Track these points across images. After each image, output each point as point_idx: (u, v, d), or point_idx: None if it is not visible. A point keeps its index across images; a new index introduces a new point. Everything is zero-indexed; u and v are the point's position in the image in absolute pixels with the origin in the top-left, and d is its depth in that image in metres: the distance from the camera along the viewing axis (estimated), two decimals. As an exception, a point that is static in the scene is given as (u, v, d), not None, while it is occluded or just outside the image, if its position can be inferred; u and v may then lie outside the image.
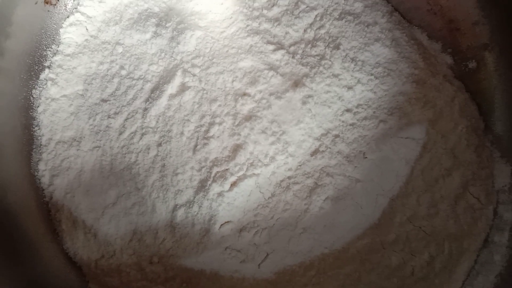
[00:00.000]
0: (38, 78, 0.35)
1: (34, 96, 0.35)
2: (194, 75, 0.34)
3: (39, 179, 0.35)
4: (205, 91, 0.33)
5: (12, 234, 0.33)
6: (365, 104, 0.34)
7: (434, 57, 0.36)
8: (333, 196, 0.33)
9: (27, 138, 0.35)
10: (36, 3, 0.34)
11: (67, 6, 0.35)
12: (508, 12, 0.34)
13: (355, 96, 0.34)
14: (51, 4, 0.35)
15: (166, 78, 0.34)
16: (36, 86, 0.35)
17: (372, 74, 0.34)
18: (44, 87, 0.35)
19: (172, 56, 0.34)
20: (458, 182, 0.33)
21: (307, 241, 0.33)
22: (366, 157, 0.33)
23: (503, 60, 0.36)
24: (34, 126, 0.35)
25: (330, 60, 0.34)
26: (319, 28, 0.35)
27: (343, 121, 0.34)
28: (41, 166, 0.35)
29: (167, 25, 0.35)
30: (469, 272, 0.34)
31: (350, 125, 0.34)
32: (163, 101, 0.34)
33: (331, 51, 0.34)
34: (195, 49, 0.34)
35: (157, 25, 0.35)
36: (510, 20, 0.34)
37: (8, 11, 0.33)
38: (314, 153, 0.33)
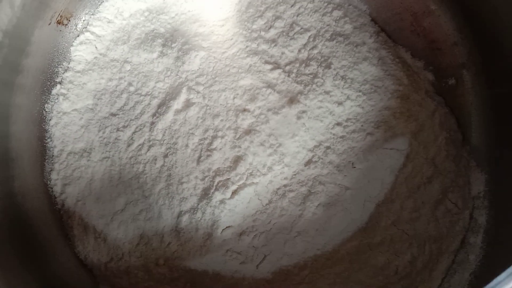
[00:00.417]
0: (50, 93, 0.37)
1: (46, 110, 0.37)
2: (198, 92, 0.36)
3: (52, 188, 0.37)
4: (208, 107, 0.36)
5: (28, 240, 0.35)
6: (354, 118, 0.37)
7: (417, 74, 0.39)
8: (325, 203, 0.36)
9: (40, 150, 0.37)
10: (49, 24, 0.36)
11: (78, 26, 0.37)
12: (483, 35, 0.37)
13: (345, 111, 0.37)
14: (63, 24, 0.37)
15: (172, 94, 0.36)
16: (48, 101, 0.37)
17: (360, 91, 0.37)
18: (56, 101, 0.37)
19: (177, 74, 0.36)
20: (438, 189, 0.36)
21: (301, 244, 0.35)
22: (354, 167, 0.36)
23: (478, 78, 0.39)
24: (46, 138, 0.37)
25: (322, 78, 0.37)
26: (312, 48, 0.37)
27: (334, 134, 0.36)
28: (54, 176, 0.37)
29: (172, 46, 0.37)
30: (447, 270, 0.37)
31: (340, 137, 0.36)
32: (169, 116, 0.36)
33: (323, 70, 0.37)
34: (199, 68, 0.36)
35: (163, 45, 0.37)
36: (484, 42, 0.37)
37: (28, 32, 0.35)
38: (308, 163, 0.36)
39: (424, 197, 0.36)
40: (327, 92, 0.36)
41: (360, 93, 0.36)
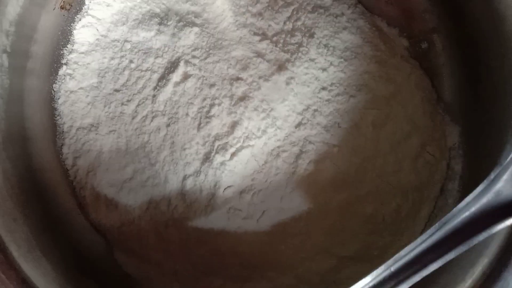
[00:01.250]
0: (57, 74, 0.39)
1: (55, 90, 0.39)
2: (194, 64, 0.38)
3: (64, 161, 0.39)
4: (204, 78, 0.38)
5: (45, 212, 0.37)
6: (338, 83, 0.39)
7: (392, 41, 0.42)
8: (315, 160, 0.38)
9: (51, 127, 0.39)
10: (54, 9, 0.38)
11: (79, 11, 0.39)
12: (450, 2, 0.40)
13: (329, 76, 0.39)
14: (66, 10, 0.39)
15: (170, 68, 0.38)
16: (56, 81, 0.39)
17: (342, 57, 0.40)
18: (63, 81, 0.39)
19: (174, 50, 0.38)
20: (416, 143, 0.39)
21: (295, 199, 0.38)
22: (340, 126, 0.39)
23: (448, 41, 0.42)
24: (56, 116, 0.39)
25: (306, 47, 0.39)
26: (296, 20, 0.40)
27: (320, 98, 0.39)
28: (65, 150, 0.39)
29: (168, 24, 0.39)
30: (429, 216, 0.40)
31: (326, 100, 0.39)
32: (169, 88, 0.38)
33: (307, 40, 0.39)
34: (194, 42, 0.38)
35: (160, 23, 0.39)
36: (451, 8, 0.40)
37: (35, 19, 0.37)
38: (298, 125, 0.39)
39: (405, 151, 0.39)
40: (312, 60, 0.39)
41: (342, 60, 0.39)
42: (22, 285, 0.29)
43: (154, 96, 0.38)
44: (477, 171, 0.38)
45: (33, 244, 0.32)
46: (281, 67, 0.38)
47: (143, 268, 0.38)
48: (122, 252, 0.38)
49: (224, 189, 0.38)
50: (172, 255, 0.37)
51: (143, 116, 0.38)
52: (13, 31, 0.35)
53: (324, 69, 0.39)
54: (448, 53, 0.41)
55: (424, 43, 0.42)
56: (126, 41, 0.39)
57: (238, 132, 0.37)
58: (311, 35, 0.39)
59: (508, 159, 0.27)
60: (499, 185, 0.27)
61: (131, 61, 0.39)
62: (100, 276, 0.38)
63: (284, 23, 0.39)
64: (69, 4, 0.39)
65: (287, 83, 0.38)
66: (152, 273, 0.38)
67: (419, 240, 0.27)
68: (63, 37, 0.40)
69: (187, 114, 0.38)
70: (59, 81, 0.39)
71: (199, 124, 0.37)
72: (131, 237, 0.38)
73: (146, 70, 0.38)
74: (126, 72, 0.39)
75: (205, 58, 0.38)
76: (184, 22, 0.39)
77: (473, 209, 0.27)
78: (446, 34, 0.41)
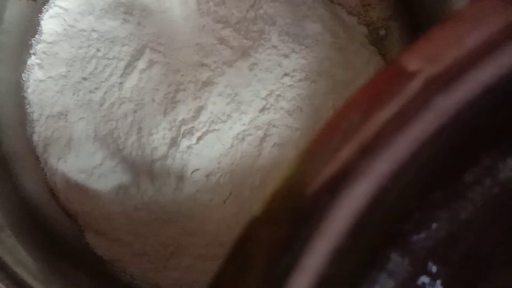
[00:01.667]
0: (26, 63, 0.39)
1: (23, 79, 0.39)
2: (159, 52, 0.39)
3: (35, 149, 0.40)
4: (169, 64, 0.39)
5: (16, 197, 0.38)
6: (299, 69, 0.41)
7: (352, 29, 0.44)
8: (279, 143, 0.39)
9: (21, 115, 0.40)
10: (20, 0, 0.39)
11: (47, 1, 0.39)
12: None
13: (291, 62, 0.41)
14: (33, 0, 0.40)
15: (136, 56, 0.39)
16: (24, 71, 0.39)
17: (303, 44, 0.41)
18: (32, 71, 0.40)
19: (140, 38, 0.39)
20: None
21: (260, 179, 0.40)
22: (302, 111, 0.41)
23: (404, 28, 0.44)
24: (26, 105, 0.40)
25: (268, 35, 0.40)
26: (258, 9, 0.41)
27: (283, 83, 0.41)
28: (35, 138, 0.40)
29: (133, 13, 0.39)
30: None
31: (289, 86, 0.41)
32: (135, 75, 0.38)
33: (269, 27, 0.40)
34: (159, 30, 0.39)
35: (125, 13, 0.39)
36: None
37: (1, 10, 0.37)
38: (262, 110, 0.40)
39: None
40: (274, 47, 0.40)
41: (303, 46, 0.41)
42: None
43: (121, 83, 0.39)
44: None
45: (3, 224, 0.33)
46: (244, 53, 0.39)
47: (114, 250, 0.39)
48: (94, 235, 0.39)
49: (192, 172, 0.39)
50: (142, 236, 0.38)
51: (111, 103, 0.39)
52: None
53: (286, 56, 0.40)
54: (404, 39, 0.43)
55: (382, 30, 0.44)
56: (93, 30, 0.40)
57: (204, 117, 0.39)
58: (273, 23, 0.41)
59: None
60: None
61: (98, 50, 0.39)
62: (73, 259, 0.39)
63: (247, 11, 0.40)
64: (36, -5, 0.40)
65: (250, 69, 0.39)
66: (123, 254, 0.39)
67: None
68: (31, 27, 0.40)
69: (153, 100, 0.39)
70: (27, 71, 0.40)
71: (165, 109, 0.39)
72: (101, 221, 0.39)
73: (113, 58, 0.39)
74: (94, 61, 0.39)
75: (170, 45, 0.39)
76: (148, 11, 0.40)
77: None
78: (403, 22, 0.43)
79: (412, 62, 0.17)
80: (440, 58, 0.16)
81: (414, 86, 0.16)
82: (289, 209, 0.16)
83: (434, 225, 0.20)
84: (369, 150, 0.16)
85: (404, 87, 0.16)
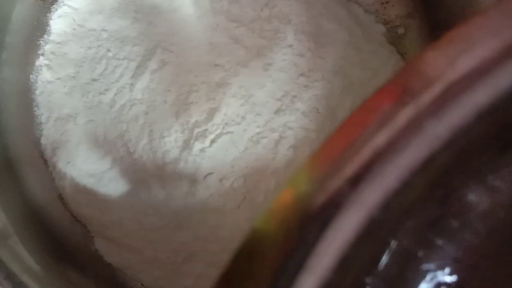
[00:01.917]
0: (34, 64, 0.38)
1: (31, 80, 0.38)
2: (171, 51, 0.37)
3: (43, 152, 0.39)
4: (182, 65, 0.37)
5: (25, 200, 0.37)
6: (315, 69, 0.40)
7: (369, 27, 0.42)
8: (294, 145, 0.38)
9: (29, 118, 0.38)
10: (28, 0, 0.38)
11: (55, 1, 0.38)
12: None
13: (307, 62, 0.39)
14: (41, 0, 0.39)
15: (147, 56, 0.38)
16: (32, 72, 0.38)
17: (319, 43, 0.40)
18: (40, 72, 0.38)
19: (151, 37, 0.38)
20: None
21: (275, 183, 0.39)
22: (319, 112, 0.39)
23: (423, 26, 0.42)
24: (33, 107, 0.39)
25: (284, 34, 0.39)
26: (272, 7, 0.40)
27: (298, 84, 0.39)
28: (43, 141, 0.39)
29: (144, 12, 0.38)
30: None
31: (304, 86, 0.39)
32: (146, 76, 0.37)
33: (284, 26, 0.39)
34: (170, 30, 0.38)
35: (136, 11, 0.38)
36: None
37: (9, 10, 0.36)
38: (277, 111, 0.39)
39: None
40: (289, 46, 0.39)
41: (319, 45, 0.39)
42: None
43: (131, 84, 0.38)
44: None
45: (10, 231, 0.32)
46: (258, 53, 0.38)
47: (124, 256, 0.38)
48: (103, 241, 0.38)
49: (205, 176, 0.37)
50: (153, 242, 0.37)
51: (121, 105, 0.38)
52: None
53: (301, 55, 0.39)
54: (423, 38, 0.42)
55: (401, 29, 0.42)
56: (103, 30, 0.39)
57: (217, 119, 0.37)
58: (288, 22, 0.39)
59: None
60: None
61: (108, 50, 0.38)
62: (82, 266, 0.38)
63: (261, 9, 0.39)
64: (44, -6, 0.39)
65: (265, 69, 0.38)
66: (133, 261, 0.37)
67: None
68: (39, 27, 0.39)
69: (165, 102, 0.37)
70: (35, 72, 0.39)
71: (178, 111, 0.37)
72: (111, 226, 0.38)
73: (123, 59, 0.38)
74: (103, 61, 0.38)
75: (182, 45, 0.38)
76: (160, 10, 0.39)
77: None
78: (421, 19, 0.42)
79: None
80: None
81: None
82: (297, 219, 0.16)
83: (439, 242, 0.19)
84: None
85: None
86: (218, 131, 0.37)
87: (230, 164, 0.38)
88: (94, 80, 0.38)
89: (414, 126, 0.16)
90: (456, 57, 0.16)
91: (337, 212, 0.16)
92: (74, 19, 0.39)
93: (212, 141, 0.37)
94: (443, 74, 0.16)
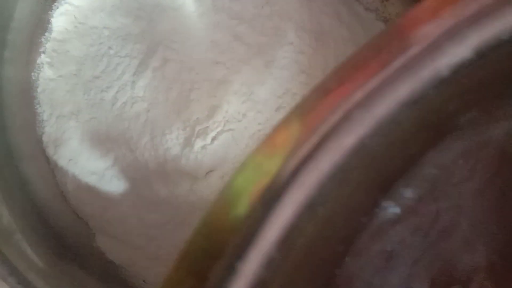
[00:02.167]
0: (35, 62, 0.38)
1: (33, 78, 0.38)
2: (173, 49, 0.37)
3: (45, 150, 0.39)
4: (183, 62, 0.37)
5: (26, 199, 0.37)
6: (316, 66, 0.40)
7: (369, 25, 0.42)
8: (296, 143, 0.39)
9: (31, 115, 0.39)
10: (30, -3, 0.38)
11: None
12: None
13: (308, 59, 0.40)
14: (43, -3, 0.39)
15: (149, 54, 0.38)
16: (34, 70, 0.38)
17: (320, 40, 0.40)
18: (42, 69, 0.39)
19: (153, 35, 0.38)
20: None
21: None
22: (320, 109, 0.40)
23: (424, 23, 0.43)
24: (35, 104, 0.39)
25: (284, 31, 0.39)
26: (273, 4, 0.40)
27: (299, 81, 0.39)
28: (45, 138, 0.39)
29: (146, 9, 0.38)
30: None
31: (305, 83, 0.39)
32: (148, 74, 0.37)
33: (285, 23, 0.39)
34: (172, 27, 0.38)
35: (138, 9, 0.38)
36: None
37: (11, 8, 0.36)
38: (278, 108, 0.39)
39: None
40: (290, 43, 0.39)
41: (320, 42, 0.40)
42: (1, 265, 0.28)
43: (133, 82, 0.38)
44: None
45: (14, 228, 0.32)
46: (260, 50, 0.38)
47: (126, 253, 0.38)
48: (105, 238, 0.38)
49: (206, 173, 0.37)
50: (155, 240, 0.37)
51: (123, 102, 0.38)
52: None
53: (302, 53, 0.39)
54: (424, 36, 0.42)
55: (401, 26, 0.43)
56: (104, 27, 0.39)
57: (219, 116, 0.37)
58: (289, 19, 0.39)
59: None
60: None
61: (110, 48, 0.38)
62: (84, 263, 0.38)
63: (262, 7, 0.39)
64: (46, -8, 0.39)
65: (266, 67, 0.38)
66: (135, 258, 0.38)
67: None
68: (41, 25, 0.39)
69: (167, 99, 0.37)
70: (37, 70, 0.39)
71: (179, 108, 0.37)
72: (113, 223, 0.38)
73: (125, 56, 0.38)
74: (105, 59, 0.38)
75: (184, 43, 0.38)
76: (162, 7, 0.39)
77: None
78: (422, 17, 0.42)
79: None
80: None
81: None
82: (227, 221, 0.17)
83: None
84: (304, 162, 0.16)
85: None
86: (219, 129, 0.37)
87: (232, 161, 0.38)
88: (96, 77, 0.38)
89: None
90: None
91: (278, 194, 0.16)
92: (75, 17, 0.39)
93: (214, 138, 0.37)
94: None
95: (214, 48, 0.38)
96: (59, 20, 0.39)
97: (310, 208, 0.16)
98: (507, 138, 0.20)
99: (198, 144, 0.37)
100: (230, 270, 0.15)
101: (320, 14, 0.40)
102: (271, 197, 0.16)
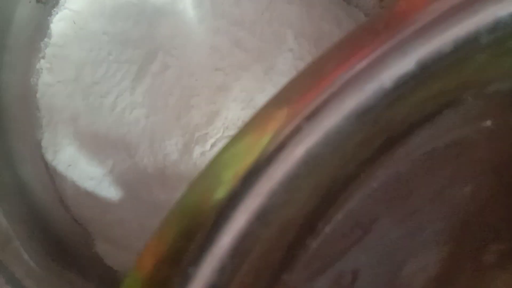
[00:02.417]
0: (34, 67, 0.38)
1: (32, 83, 0.38)
2: (173, 55, 0.37)
3: (44, 155, 0.39)
4: (183, 68, 0.37)
5: (25, 203, 0.37)
6: (316, 72, 0.40)
7: (369, 31, 0.43)
8: (295, 149, 0.39)
9: (30, 120, 0.38)
10: (30, 2, 0.38)
11: (56, 3, 0.38)
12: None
13: (307, 65, 0.40)
14: (42, 3, 0.38)
15: (149, 59, 0.37)
16: (33, 75, 0.38)
17: (319, 47, 0.40)
18: (41, 75, 0.38)
19: (152, 40, 0.38)
20: None
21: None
22: (319, 115, 0.39)
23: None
24: (34, 110, 0.39)
25: (284, 37, 0.39)
26: (273, 10, 0.40)
27: (299, 87, 0.40)
28: (44, 144, 0.39)
29: (145, 14, 0.38)
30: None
31: (305, 90, 0.40)
32: (148, 80, 0.37)
33: (285, 29, 0.39)
34: (172, 32, 0.38)
35: (137, 14, 0.38)
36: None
37: (11, 12, 0.36)
38: (277, 115, 0.39)
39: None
40: (290, 49, 0.39)
41: (319, 49, 0.40)
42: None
43: (133, 87, 0.38)
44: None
45: (12, 235, 0.32)
46: (259, 56, 0.38)
47: (125, 259, 0.38)
48: (104, 244, 0.38)
49: (205, 179, 0.37)
50: (154, 246, 0.37)
51: (122, 108, 0.38)
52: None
53: (302, 59, 0.39)
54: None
55: (401, 33, 0.42)
56: (104, 33, 0.38)
57: (218, 123, 0.37)
58: (289, 25, 0.39)
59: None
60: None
61: (109, 53, 0.38)
62: (82, 269, 0.38)
63: (262, 13, 0.39)
64: (45, -3, 0.38)
65: (266, 73, 0.38)
66: (134, 263, 0.38)
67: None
68: (40, 30, 0.39)
69: (166, 105, 0.37)
70: (36, 75, 0.39)
71: (178, 114, 0.37)
72: (112, 228, 0.38)
73: (125, 62, 0.38)
74: (105, 64, 0.38)
75: (184, 48, 0.38)
76: (161, 12, 0.39)
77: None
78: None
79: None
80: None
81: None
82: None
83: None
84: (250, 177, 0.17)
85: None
86: (218, 135, 0.37)
87: (231, 167, 0.38)
88: (95, 83, 0.38)
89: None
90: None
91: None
92: (75, 22, 0.39)
93: (213, 145, 0.37)
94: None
95: (214, 54, 0.38)
96: (59, 25, 0.39)
97: (263, 216, 0.16)
98: (449, 150, 0.21)
99: (197, 150, 0.37)
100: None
101: (320, 20, 0.40)
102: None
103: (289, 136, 0.16)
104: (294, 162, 0.16)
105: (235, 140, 0.18)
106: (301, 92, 0.17)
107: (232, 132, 0.37)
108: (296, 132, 0.16)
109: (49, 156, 0.38)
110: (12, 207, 0.34)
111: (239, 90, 0.37)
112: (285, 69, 0.38)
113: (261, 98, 0.38)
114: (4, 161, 0.36)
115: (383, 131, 0.19)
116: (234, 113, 0.37)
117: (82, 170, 0.38)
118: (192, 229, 0.17)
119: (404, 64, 0.16)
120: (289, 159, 0.16)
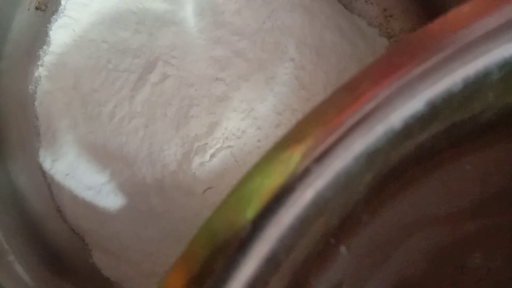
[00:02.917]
0: (33, 75, 0.38)
1: (31, 91, 0.38)
2: (172, 65, 0.37)
3: (41, 164, 0.39)
4: (183, 78, 0.37)
5: (21, 213, 0.37)
6: (317, 82, 0.39)
7: (372, 40, 0.42)
8: (296, 160, 0.38)
9: (28, 129, 0.38)
10: (28, 9, 0.37)
11: (55, 11, 0.38)
12: (427, 3, 0.41)
13: (309, 75, 0.39)
14: (41, 10, 0.38)
15: (148, 68, 0.37)
16: (32, 83, 0.38)
17: (321, 56, 0.39)
18: (39, 82, 0.38)
19: (152, 49, 0.37)
20: None
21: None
22: (321, 126, 0.39)
23: (428, 39, 0.42)
24: (33, 118, 0.39)
25: (286, 46, 0.39)
26: (275, 20, 0.39)
27: (300, 97, 0.39)
28: (42, 153, 0.38)
29: (145, 23, 0.38)
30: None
31: (306, 99, 0.39)
32: (147, 89, 0.37)
33: (286, 39, 0.39)
34: (172, 42, 0.37)
35: (137, 23, 0.38)
36: (430, 8, 0.41)
37: (9, 20, 0.36)
38: (278, 125, 0.38)
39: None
40: (291, 59, 0.38)
41: (322, 58, 0.39)
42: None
43: (131, 96, 0.37)
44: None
45: (6, 249, 0.32)
46: (260, 66, 0.38)
47: (122, 270, 0.37)
48: (101, 254, 0.38)
49: (204, 190, 0.37)
50: (151, 256, 0.37)
51: (121, 117, 0.37)
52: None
53: (303, 69, 0.38)
54: (427, 52, 0.42)
55: (404, 42, 0.42)
56: (103, 41, 0.38)
57: (218, 133, 0.37)
58: (291, 34, 0.39)
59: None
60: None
61: (108, 62, 0.38)
62: (79, 280, 0.37)
63: (263, 22, 0.39)
64: (45, 5, 0.38)
65: (267, 83, 0.38)
66: (131, 274, 0.37)
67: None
68: (39, 38, 0.38)
69: (165, 115, 0.37)
70: (35, 82, 0.38)
71: (178, 124, 0.37)
72: (109, 239, 0.38)
73: (124, 71, 0.38)
74: (104, 73, 0.38)
75: (183, 58, 0.37)
76: (162, 22, 0.38)
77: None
78: (425, 33, 0.41)
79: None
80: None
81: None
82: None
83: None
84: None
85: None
86: (218, 145, 0.37)
87: (230, 178, 0.37)
88: (94, 91, 0.38)
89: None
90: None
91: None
92: (74, 30, 0.38)
93: (212, 156, 0.37)
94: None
95: (214, 64, 0.37)
96: (58, 33, 0.38)
97: (273, 258, 0.17)
98: (458, 186, 0.21)
99: (197, 161, 0.37)
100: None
101: (322, 29, 0.39)
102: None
103: (299, 178, 0.17)
104: (303, 204, 0.17)
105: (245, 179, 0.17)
106: (310, 134, 0.17)
107: (232, 142, 0.37)
108: (305, 174, 0.17)
109: (46, 165, 0.38)
110: (7, 216, 0.34)
111: (240, 100, 0.37)
112: (286, 78, 0.38)
113: (262, 108, 0.37)
114: (0, 170, 0.36)
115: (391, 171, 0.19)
116: (234, 123, 0.37)
117: (80, 179, 0.38)
118: (221, 250, 0.18)
119: (413, 105, 0.16)
120: (298, 202, 0.17)
